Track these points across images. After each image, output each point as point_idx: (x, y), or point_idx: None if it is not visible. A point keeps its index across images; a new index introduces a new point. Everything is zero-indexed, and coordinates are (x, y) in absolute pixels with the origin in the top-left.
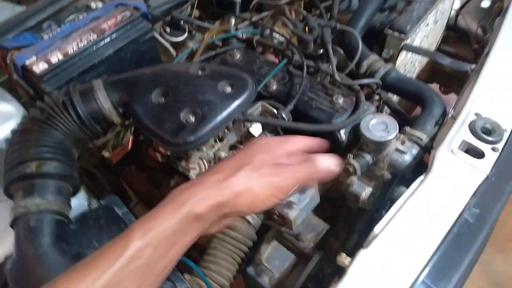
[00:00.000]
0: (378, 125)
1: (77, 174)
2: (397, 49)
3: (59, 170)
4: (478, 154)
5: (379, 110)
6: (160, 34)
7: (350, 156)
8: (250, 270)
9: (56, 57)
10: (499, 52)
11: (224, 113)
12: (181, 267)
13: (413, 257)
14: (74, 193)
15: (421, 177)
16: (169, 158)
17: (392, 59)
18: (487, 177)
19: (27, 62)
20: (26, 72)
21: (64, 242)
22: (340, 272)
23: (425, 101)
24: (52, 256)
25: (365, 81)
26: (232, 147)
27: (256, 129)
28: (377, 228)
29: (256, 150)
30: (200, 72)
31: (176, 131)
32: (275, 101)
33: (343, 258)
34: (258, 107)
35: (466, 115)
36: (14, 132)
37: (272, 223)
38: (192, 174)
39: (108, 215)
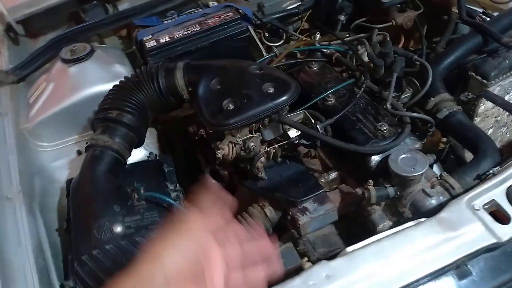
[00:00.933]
0: (408, 160)
1: (144, 130)
2: (476, 94)
3: (131, 122)
4: (501, 218)
5: (443, 154)
6: (260, 38)
7: (370, 182)
8: None
9: (164, 39)
10: None
11: (258, 109)
12: None
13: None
14: (138, 144)
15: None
16: (210, 136)
17: (471, 103)
18: (499, 245)
19: (144, 39)
20: (141, 46)
21: (113, 174)
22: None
23: (478, 151)
24: (101, 180)
25: (415, 114)
26: (265, 143)
27: (293, 132)
28: (349, 248)
29: None
30: (257, 72)
31: (215, 113)
32: (320, 114)
33: (304, 261)
34: (300, 114)
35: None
36: (114, 86)
37: (288, 224)
38: (219, 153)
39: (155, 168)
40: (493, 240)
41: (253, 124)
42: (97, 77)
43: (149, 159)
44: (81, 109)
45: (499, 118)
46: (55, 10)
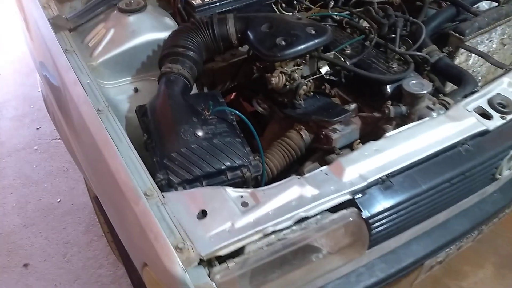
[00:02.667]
0: (416, 84)
1: (201, 67)
2: (455, 47)
3: (194, 57)
4: (487, 116)
5: None
6: (277, 7)
7: (389, 102)
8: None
9: None
10: None
11: (304, 45)
12: None
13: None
14: (197, 76)
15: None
16: (261, 70)
17: (450, 55)
18: (489, 131)
19: None
20: (186, 3)
21: (186, 94)
22: None
23: (462, 81)
24: (178, 98)
25: (416, 53)
26: (304, 77)
27: (324, 69)
28: (388, 134)
29: None
30: (298, 20)
31: (270, 47)
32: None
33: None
34: (331, 54)
35: (488, 92)
36: (175, 30)
37: (318, 145)
38: (273, 80)
39: (212, 97)
40: (484, 127)
41: (298, 59)
42: (152, 26)
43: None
44: (138, 53)
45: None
46: None
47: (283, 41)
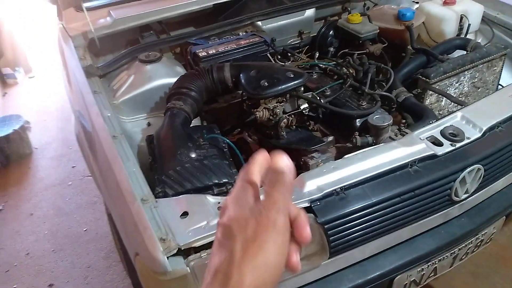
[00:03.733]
0: (379, 118)
1: (201, 105)
2: (422, 89)
3: (195, 97)
4: (438, 144)
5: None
6: (274, 58)
7: (356, 133)
8: None
9: (212, 51)
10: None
11: (283, 86)
12: None
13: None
14: (196, 114)
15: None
16: (249, 107)
17: (419, 97)
18: (437, 155)
19: (197, 51)
20: (194, 56)
21: (185, 125)
22: None
23: (423, 116)
24: (178, 128)
25: (382, 92)
26: (286, 113)
27: (303, 106)
28: (346, 156)
29: (231, 220)
30: (280, 66)
31: (255, 88)
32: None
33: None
34: (309, 94)
35: (442, 124)
36: (182, 75)
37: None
38: (258, 114)
39: (209, 129)
40: (432, 152)
41: (279, 97)
42: (165, 73)
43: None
44: (152, 94)
45: (444, 109)
46: (122, 34)
47: (266, 83)
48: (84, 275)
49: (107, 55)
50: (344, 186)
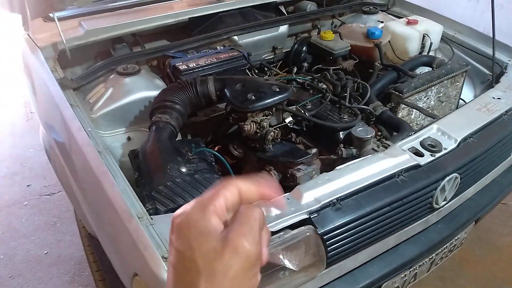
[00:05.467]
0: (362, 131)
1: (185, 119)
2: (396, 103)
3: (180, 110)
4: (419, 154)
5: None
6: (251, 72)
7: (341, 145)
8: None
9: (192, 65)
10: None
11: (270, 99)
12: None
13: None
14: (182, 126)
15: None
16: (236, 120)
17: (393, 110)
18: (420, 165)
19: (176, 64)
20: (174, 69)
21: (172, 139)
22: None
23: (401, 128)
24: (165, 142)
25: (361, 106)
26: (272, 126)
27: (288, 119)
28: (338, 167)
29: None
30: (264, 80)
31: (243, 101)
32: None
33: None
34: (294, 107)
35: (421, 135)
36: (165, 88)
37: (286, 183)
38: (246, 128)
39: (195, 143)
40: (416, 162)
41: (266, 111)
42: (145, 86)
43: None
44: (131, 108)
45: (414, 122)
46: (93, 45)
47: (253, 96)
48: None
49: (75, 67)
50: (339, 197)
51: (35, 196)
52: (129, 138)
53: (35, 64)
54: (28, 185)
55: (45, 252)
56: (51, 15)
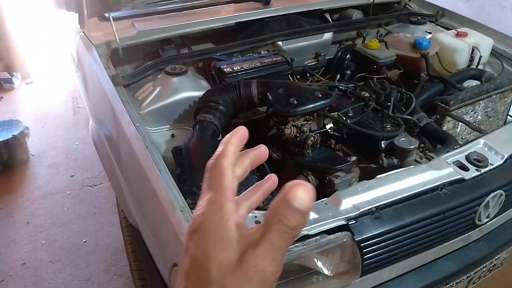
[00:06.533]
0: (405, 141)
1: (228, 119)
2: (441, 115)
3: (223, 110)
4: (464, 168)
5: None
6: (293, 77)
7: (383, 154)
8: None
9: (236, 68)
10: None
11: (312, 104)
12: None
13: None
14: (224, 126)
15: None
16: (276, 124)
17: (438, 123)
18: (465, 180)
19: (221, 67)
20: (219, 71)
21: (215, 138)
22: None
23: (446, 141)
24: (208, 140)
25: (406, 116)
26: (312, 131)
27: (329, 125)
28: (378, 176)
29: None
30: (307, 86)
31: (285, 105)
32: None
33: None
34: (335, 114)
35: (467, 149)
36: (209, 89)
37: (323, 190)
38: (286, 131)
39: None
40: (460, 176)
41: (307, 116)
42: (191, 86)
43: None
44: (177, 106)
45: (459, 136)
46: (144, 46)
47: (295, 101)
48: None
49: (125, 65)
50: (379, 205)
51: (77, 186)
52: (173, 135)
53: (89, 61)
54: (71, 176)
55: (84, 240)
56: (106, 15)
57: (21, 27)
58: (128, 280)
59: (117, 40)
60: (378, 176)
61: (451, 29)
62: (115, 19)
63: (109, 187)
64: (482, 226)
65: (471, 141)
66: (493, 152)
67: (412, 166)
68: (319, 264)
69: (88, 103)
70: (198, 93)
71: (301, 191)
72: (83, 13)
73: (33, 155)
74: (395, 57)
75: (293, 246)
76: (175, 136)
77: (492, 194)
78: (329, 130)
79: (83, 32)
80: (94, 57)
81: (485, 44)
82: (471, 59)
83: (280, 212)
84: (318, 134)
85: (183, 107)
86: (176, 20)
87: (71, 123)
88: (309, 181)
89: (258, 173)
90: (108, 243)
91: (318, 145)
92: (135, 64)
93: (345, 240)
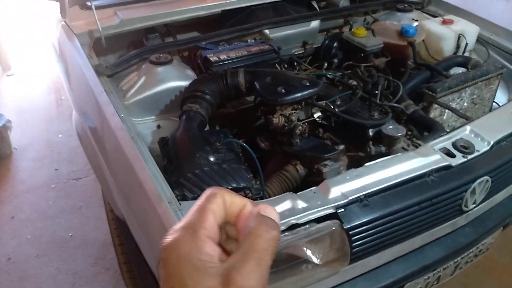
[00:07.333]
0: (393, 129)
1: (215, 109)
2: (428, 102)
3: (210, 100)
4: (451, 155)
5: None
6: (281, 66)
7: (370, 142)
8: None
9: (223, 57)
10: None
11: (300, 93)
12: None
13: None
14: (211, 116)
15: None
16: (264, 113)
17: (426, 109)
18: (451, 166)
19: (208, 56)
20: (205, 60)
21: (201, 128)
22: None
23: (432, 128)
24: (195, 131)
25: (393, 104)
26: (300, 120)
27: (317, 114)
28: (366, 164)
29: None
30: (295, 74)
31: (272, 94)
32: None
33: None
34: (323, 103)
35: (453, 136)
36: (196, 79)
37: (311, 179)
38: (274, 120)
39: (224, 133)
40: (447, 163)
41: (295, 105)
42: (177, 76)
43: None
44: (163, 97)
45: (445, 123)
46: (127, 35)
47: (283, 90)
48: (71, 282)
49: (108, 55)
50: (367, 193)
51: (62, 180)
52: (159, 126)
53: (71, 51)
54: (56, 169)
55: (70, 234)
56: (88, 3)
57: (1, 18)
58: (116, 273)
59: (100, 29)
60: (366, 164)
61: (437, 17)
62: (97, 7)
63: (94, 180)
64: (469, 212)
65: (458, 128)
66: (479, 139)
67: (399, 153)
68: (308, 252)
69: (71, 94)
70: (184, 83)
71: (268, 208)
72: (64, 1)
73: (16, 149)
74: (382, 45)
75: (282, 235)
76: (161, 126)
77: (479, 180)
78: (317, 119)
79: (65, 22)
80: (76, 47)
81: (471, 31)
82: (457, 46)
83: (259, 225)
84: (306, 123)
85: (169, 97)
86: (160, 8)
87: (54, 115)
88: (297, 170)
89: (247, 163)
90: (95, 236)
91: (306, 134)
92: (119, 54)
93: (334, 228)
